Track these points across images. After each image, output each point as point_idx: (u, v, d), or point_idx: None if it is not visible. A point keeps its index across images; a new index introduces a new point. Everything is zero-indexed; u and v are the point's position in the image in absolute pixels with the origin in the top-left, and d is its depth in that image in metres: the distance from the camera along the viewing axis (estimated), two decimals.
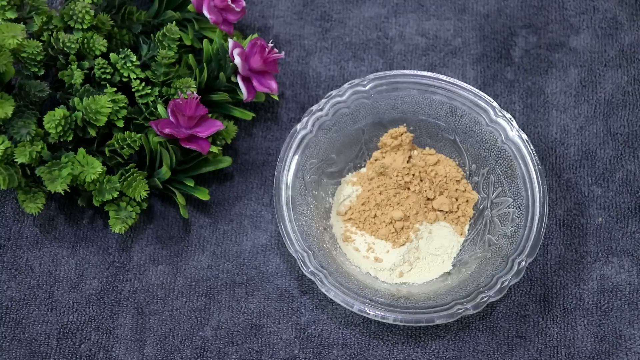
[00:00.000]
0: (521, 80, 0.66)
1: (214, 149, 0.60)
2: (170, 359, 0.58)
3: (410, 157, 0.62)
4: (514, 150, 0.59)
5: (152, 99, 0.59)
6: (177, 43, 0.60)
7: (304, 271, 0.56)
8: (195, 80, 0.60)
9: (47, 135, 0.55)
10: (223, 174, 0.64)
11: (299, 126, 0.60)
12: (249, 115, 0.62)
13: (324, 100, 0.60)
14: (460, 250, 0.61)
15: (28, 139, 0.54)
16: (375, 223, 0.60)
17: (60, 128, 0.54)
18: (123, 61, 0.58)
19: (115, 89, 0.58)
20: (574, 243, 0.61)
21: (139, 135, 0.58)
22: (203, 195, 0.60)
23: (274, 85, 0.61)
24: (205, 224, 0.62)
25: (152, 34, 0.61)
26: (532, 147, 0.58)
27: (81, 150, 0.56)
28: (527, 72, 0.67)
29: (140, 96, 0.59)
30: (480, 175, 0.61)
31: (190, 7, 0.63)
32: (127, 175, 0.58)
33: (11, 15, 0.55)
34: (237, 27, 0.68)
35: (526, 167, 0.58)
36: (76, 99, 0.56)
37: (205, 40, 0.61)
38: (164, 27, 0.59)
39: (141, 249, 0.61)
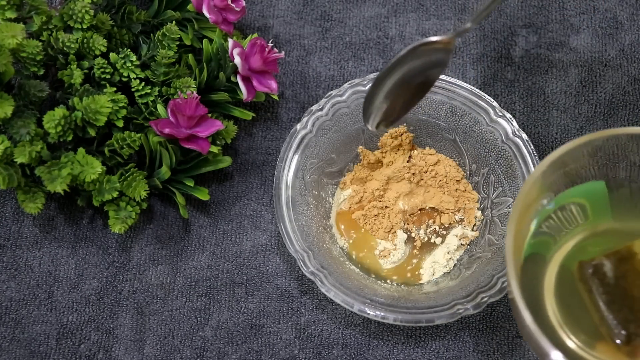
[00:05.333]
0: (521, 80, 0.66)
1: (214, 149, 0.60)
2: (170, 359, 0.58)
3: (410, 157, 0.62)
4: (514, 150, 0.59)
5: (151, 98, 0.59)
6: (177, 43, 0.60)
7: (304, 271, 0.56)
8: (195, 80, 0.60)
9: (47, 135, 0.55)
10: (223, 174, 0.64)
11: (299, 126, 0.60)
12: (248, 115, 0.62)
13: (324, 100, 0.60)
14: None
15: (27, 139, 0.54)
16: (375, 223, 0.60)
17: (59, 128, 0.54)
18: (123, 61, 0.58)
19: (114, 88, 0.58)
20: None
21: (139, 135, 0.58)
22: (203, 195, 0.60)
23: (273, 85, 0.61)
24: (205, 224, 0.62)
25: (151, 34, 0.61)
26: (532, 147, 0.58)
27: (81, 150, 0.55)
28: (527, 72, 0.67)
29: (140, 96, 0.59)
30: (480, 175, 0.61)
31: (190, 7, 0.63)
32: (126, 175, 0.58)
33: (11, 14, 0.55)
34: (237, 26, 0.68)
35: (526, 167, 0.58)
36: (76, 99, 0.56)
37: (205, 40, 0.61)
38: (164, 27, 0.59)
39: (141, 249, 0.61)
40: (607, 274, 0.48)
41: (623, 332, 0.46)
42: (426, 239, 0.60)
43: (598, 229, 0.51)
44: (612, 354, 0.47)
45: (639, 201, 0.51)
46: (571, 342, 0.47)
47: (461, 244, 0.60)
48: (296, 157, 0.59)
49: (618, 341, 0.47)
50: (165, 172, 0.59)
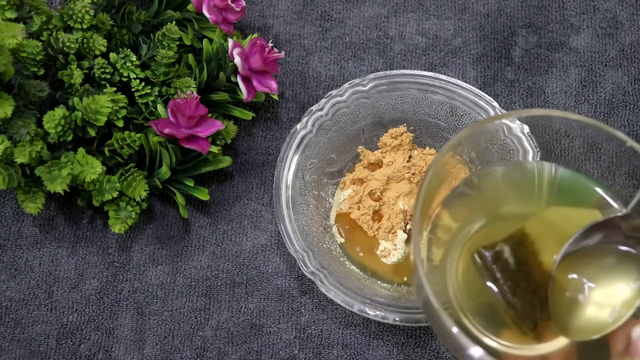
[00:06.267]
0: (521, 80, 0.66)
1: (214, 149, 0.60)
2: (170, 359, 0.58)
3: (410, 157, 0.62)
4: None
5: (151, 98, 0.59)
6: (177, 43, 0.60)
7: (304, 271, 0.56)
8: (195, 80, 0.60)
9: (47, 135, 0.55)
10: (223, 174, 0.64)
11: (299, 126, 0.60)
12: (248, 115, 0.62)
13: (324, 100, 0.60)
14: None
15: (28, 139, 0.54)
16: (375, 223, 0.60)
17: (59, 128, 0.54)
18: (123, 61, 0.58)
19: (114, 88, 0.58)
20: None
21: (139, 135, 0.58)
22: (203, 195, 0.60)
23: (273, 85, 0.61)
24: (205, 224, 0.62)
25: (151, 34, 0.61)
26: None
27: (81, 150, 0.55)
28: (528, 71, 0.67)
29: (140, 96, 0.59)
30: None
31: (190, 7, 0.63)
32: (126, 175, 0.57)
33: (11, 15, 0.55)
34: (237, 26, 0.68)
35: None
36: (76, 99, 0.56)
37: (205, 40, 0.61)
38: (164, 27, 0.59)
39: (141, 249, 0.61)
40: (508, 260, 0.47)
41: (529, 318, 0.46)
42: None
43: (497, 214, 0.50)
44: (519, 340, 0.46)
45: (528, 183, 0.51)
46: (476, 330, 0.47)
47: None
48: (296, 157, 0.59)
49: (525, 327, 0.46)
50: (165, 172, 0.59)
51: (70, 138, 0.55)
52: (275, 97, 0.64)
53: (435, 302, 0.42)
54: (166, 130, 0.57)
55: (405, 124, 0.62)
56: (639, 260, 0.46)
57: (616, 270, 0.46)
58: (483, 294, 0.48)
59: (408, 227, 0.60)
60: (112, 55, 0.58)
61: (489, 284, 0.47)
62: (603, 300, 0.46)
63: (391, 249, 0.59)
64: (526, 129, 0.59)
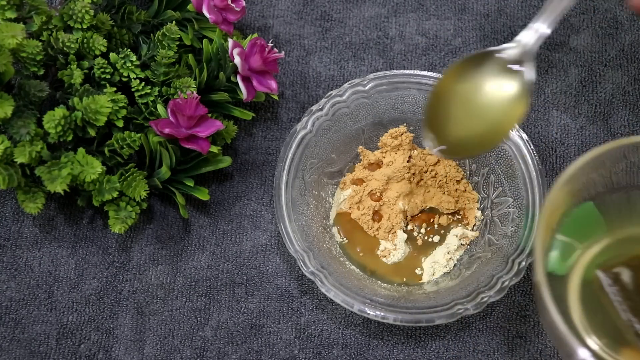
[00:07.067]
0: None
1: (214, 149, 0.60)
2: (170, 359, 0.58)
3: (410, 157, 0.62)
4: (514, 150, 0.59)
5: (151, 98, 0.59)
6: (177, 43, 0.60)
7: (304, 271, 0.56)
8: (195, 80, 0.60)
9: (47, 135, 0.55)
10: (223, 174, 0.64)
11: (298, 126, 0.60)
12: (248, 115, 0.62)
13: (324, 100, 0.60)
14: None
15: (27, 139, 0.54)
16: (375, 223, 0.60)
17: (59, 128, 0.54)
18: (123, 61, 0.58)
19: (114, 88, 0.58)
20: None
21: (139, 135, 0.58)
22: (203, 195, 0.60)
23: (273, 85, 0.61)
24: (205, 224, 0.62)
25: (151, 34, 0.61)
26: (532, 147, 0.58)
27: (81, 150, 0.55)
28: None
29: (140, 96, 0.59)
30: (480, 175, 0.61)
31: (190, 7, 0.63)
32: (126, 175, 0.57)
33: (11, 14, 0.55)
34: (237, 26, 0.68)
35: (526, 167, 0.58)
36: (76, 99, 0.56)
37: (205, 40, 0.61)
38: (164, 27, 0.59)
39: (141, 249, 0.61)
40: (628, 280, 0.48)
41: None
42: (426, 238, 0.60)
43: (620, 236, 0.51)
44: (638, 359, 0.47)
45: None
46: (596, 346, 0.47)
47: (461, 244, 0.60)
48: (296, 157, 0.59)
49: None
50: (165, 172, 0.59)
51: (70, 138, 0.55)
52: (275, 97, 0.64)
53: (562, 326, 0.43)
54: (166, 130, 0.57)
55: (405, 124, 0.62)
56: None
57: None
58: (603, 313, 0.48)
59: (408, 227, 0.60)
60: (112, 55, 0.58)
61: (608, 303, 0.48)
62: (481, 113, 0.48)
63: (391, 249, 0.59)
64: (524, 135, 0.59)
